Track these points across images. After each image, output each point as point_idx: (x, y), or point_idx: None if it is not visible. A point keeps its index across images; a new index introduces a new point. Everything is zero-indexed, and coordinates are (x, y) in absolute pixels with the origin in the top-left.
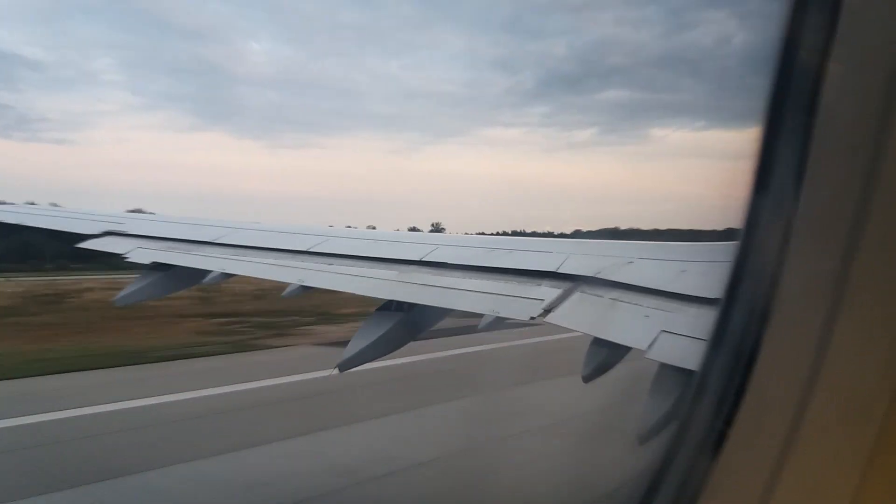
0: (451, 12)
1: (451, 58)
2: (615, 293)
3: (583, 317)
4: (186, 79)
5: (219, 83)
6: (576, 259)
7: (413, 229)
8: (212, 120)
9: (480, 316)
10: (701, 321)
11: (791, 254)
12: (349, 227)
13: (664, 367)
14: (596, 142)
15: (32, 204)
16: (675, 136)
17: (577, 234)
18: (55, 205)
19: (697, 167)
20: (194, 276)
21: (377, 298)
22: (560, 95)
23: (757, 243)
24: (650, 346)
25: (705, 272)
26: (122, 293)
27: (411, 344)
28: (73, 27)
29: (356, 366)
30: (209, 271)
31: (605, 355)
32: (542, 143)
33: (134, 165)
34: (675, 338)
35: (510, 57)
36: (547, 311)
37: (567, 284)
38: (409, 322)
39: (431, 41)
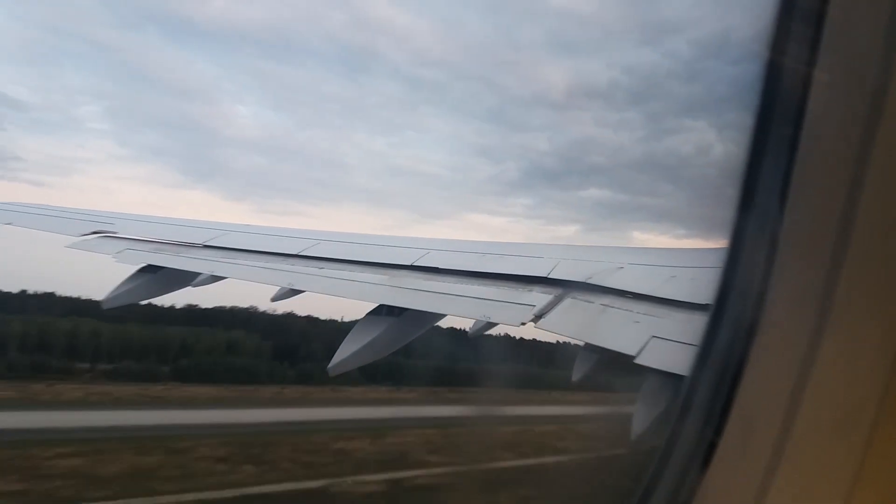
0: (435, 97)
1: (436, 141)
2: (606, 299)
3: (573, 323)
4: (173, 135)
5: (205, 142)
6: (567, 264)
7: None
8: (197, 178)
9: None
10: (691, 327)
11: (778, 265)
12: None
13: (655, 373)
14: (580, 239)
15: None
16: (657, 242)
17: None
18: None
19: None
20: (183, 278)
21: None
22: (543, 189)
23: (745, 255)
24: (640, 351)
25: (695, 278)
26: (108, 294)
27: None
28: (62, 72)
29: (347, 369)
30: (198, 273)
31: (596, 361)
32: (527, 234)
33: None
34: (665, 343)
35: (494, 146)
36: (538, 316)
37: (558, 290)
38: (399, 326)
39: (417, 122)
